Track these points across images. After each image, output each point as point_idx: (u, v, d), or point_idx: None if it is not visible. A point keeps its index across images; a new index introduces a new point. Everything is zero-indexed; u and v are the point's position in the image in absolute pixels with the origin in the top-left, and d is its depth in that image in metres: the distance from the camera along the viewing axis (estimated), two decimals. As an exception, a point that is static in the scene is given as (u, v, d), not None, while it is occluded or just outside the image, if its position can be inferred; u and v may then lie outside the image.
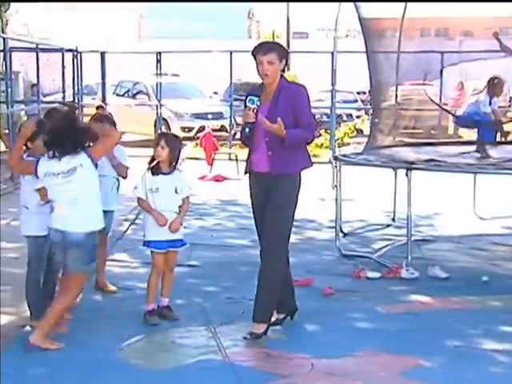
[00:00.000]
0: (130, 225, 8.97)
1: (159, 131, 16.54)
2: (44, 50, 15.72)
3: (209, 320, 5.50)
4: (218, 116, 19.22)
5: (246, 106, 5.09)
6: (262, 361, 4.85)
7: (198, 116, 19.13)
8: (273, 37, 36.99)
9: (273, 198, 5.06)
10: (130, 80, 20.58)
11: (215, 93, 23.90)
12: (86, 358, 4.84)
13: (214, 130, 16.28)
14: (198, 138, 15.78)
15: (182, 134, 18.44)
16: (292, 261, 7.40)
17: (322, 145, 16.83)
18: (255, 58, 5.08)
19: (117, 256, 7.44)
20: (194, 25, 41.39)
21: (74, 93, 15.89)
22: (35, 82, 17.80)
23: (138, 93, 20.11)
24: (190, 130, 18.72)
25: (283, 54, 5.13)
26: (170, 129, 18.25)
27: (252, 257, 7.58)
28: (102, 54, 16.44)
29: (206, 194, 11.10)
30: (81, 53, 15.71)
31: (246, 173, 5.32)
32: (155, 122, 17.28)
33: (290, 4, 33.87)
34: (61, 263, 5.08)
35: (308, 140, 5.20)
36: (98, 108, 15.86)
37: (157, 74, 16.59)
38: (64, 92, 15.60)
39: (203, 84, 22.43)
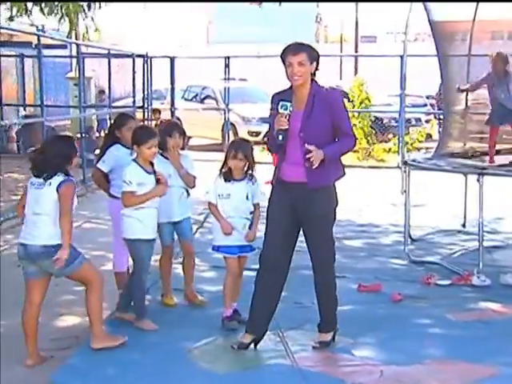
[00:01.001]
0: (198, 228, 9.04)
1: (227, 136, 16.69)
2: (115, 56, 16.04)
3: (276, 324, 5.49)
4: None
5: (277, 112, 4.75)
6: (331, 366, 4.82)
7: (265, 120, 19.13)
8: (341, 40, 36.86)
9: (312, 212, 4.85)
10: (198, 85, 20.77)
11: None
12: (156, 359, 4.90)
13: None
14: (265, 142, 15.78)
15: (249, 139, 18.60)
16: (359, 266, 7.41)
17: (389, 149, 16.66)
18: (284, 61, 4.78)
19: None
20: (262, 29, 41.48)
21: (143, 97, 16.12)
22: (106, 87, 18.18)
23: (206, 97, 20.28)
24: (258, 134, 18.74)
25: (314, 55, 4.82)
26: (237, 133, 18.36)
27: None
28: (172, 59, 16.63)
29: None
30: (151, 58, 15.94)
31: (272, 183, 5.05)
32: (223, 126, 17.41)
33: (359, 8, 33.63)
34: None
35: (351, 149, 5.01)
36: (154, 112, 16.15)
37: (225, 79, 16.68)
38: (134, 97, 15.85)
39: (270, 88, 22.46)
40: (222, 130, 17.51)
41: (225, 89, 16.90)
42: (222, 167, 5.51)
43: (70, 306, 5.90)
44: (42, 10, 15.98)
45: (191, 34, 42.71)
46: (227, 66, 16.53)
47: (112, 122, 6.18)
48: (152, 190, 5.37)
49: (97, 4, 16.24)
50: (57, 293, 5.63)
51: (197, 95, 20.60)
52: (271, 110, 4.90)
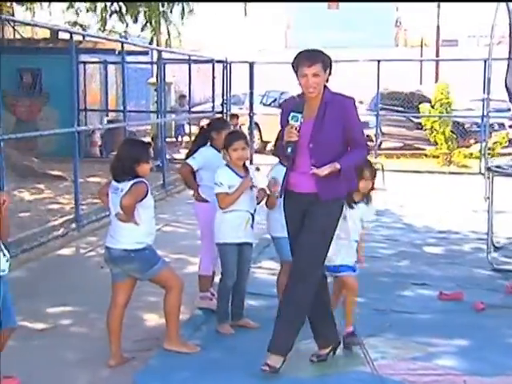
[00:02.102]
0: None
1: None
2: (196, 62, 16.25)
3: (355, 330, 5.44)
4: (364, 125, 19.06)
5: (287, 123, 4.56)
6: (412, 375, 4.72)
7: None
8: (421, 44, 36.31)
9: (314, 221, 4.63)
10: (276, 90, 20.82)
11: (360, 102, 23.72)
12: (234, 363, 4.93)
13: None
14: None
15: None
16: (440, 274, 7.27)
17: (471, 155, 16.32)
18: (296, 70, 4.57)
19: (263, 264, 7.53)
20: (341, 34, 41.31)
21: (222, 102, 16.27)
22: (185, 92, 18.44)
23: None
24: (336, 139, 18.66)
25: (327, 63, 4.61)
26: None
27: (398, 268, 7.51)
28: (251, 65, 16.74)
29: (352, 204, 11.02)
30: (230, 63, 16.07)
31: (281, 195, 4.85)
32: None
33: (440, 11, 33.07)
34: None
35: (363, 159, 4.82)
36: (232, 117, 16.27)
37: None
38: (213, 102, 16.01)
39: (348, 94, 22.32)
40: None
41: (303, 94, 16.85)
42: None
43: (151, 308, 5.98)
44: (122, 15, 16.39)
45: (270, 39, 42.92)
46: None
47: (207, 124, 6.26)
48: (239, 185, 5.37)
49: (184, 11, 16.53)
50: (138, 295, 5.70)
51: (275, 100, 20.64)
52: (281, 118, 4.72)
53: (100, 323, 5.66)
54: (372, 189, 5.25)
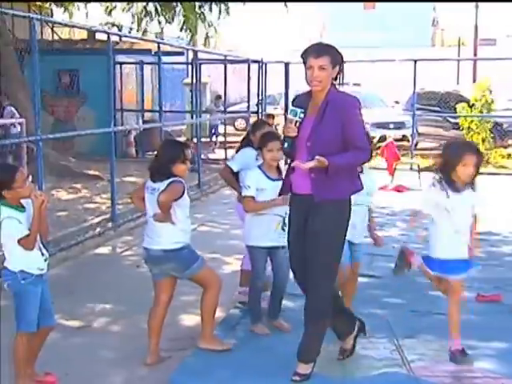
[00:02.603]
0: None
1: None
2: (231, 62, 16.27)
3: (392, 332, 5.41)
4: (400, 125, 18.94)
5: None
6: (449, 378, 4.67)
7: (379, 125, 18.94)
8: (458, 44, 35.95)
9: (314, 225, 4.41)
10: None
11: (396, 102, 23.60)
12: (268, 362, 4.92)
13: (396, 140, 16.02)
14: (379, 147, 15.62)
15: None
16: (478, 275, 7.15)
17: (509, 155, 16.12)
18: (305, 62, 4.39)
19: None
20: (377, 34, 41.06)
21: (258, 102, 16.28)
22: (220, 92, 18.48)
23: (319, 102, 20.26)
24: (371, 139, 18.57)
25: (337, 59, 4.41)
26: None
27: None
28: (286, 65, 16.72)
29: (388, 205, 10.96)
30: (266, 64, 16.07)
31: (280, 194, 4.78)
32: (335, 131, 17.37)
33: (478, 10, 32.69)
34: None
35: (361, 163, 4.60)
36: (268, 117, 16.24)
37: (339, 84, 16.57)
38: (249, 102, 16.02)
39: (385, 93, 22.20)
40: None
41: (339, 94, 16.79)
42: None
43: (187, 308, 6.00)
44: (158, 16, 16.48)
45: (305, 39, 42.88)
46: (341, 70, 16.40)
47: (250, 126, 6.29)
48: (273, 199, 5.24)
49: (221, 11, 16.59)
50: (175, 294, 5.70)
51: (310, 100, 20.60)
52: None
53: (137, 322, 5.72)
54: (475, 175, 4.90)
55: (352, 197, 4.59)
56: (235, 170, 5.95)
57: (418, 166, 13.60)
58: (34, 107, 7.59)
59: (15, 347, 4.35)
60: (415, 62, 15.91)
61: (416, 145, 16.97)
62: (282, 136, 4.44)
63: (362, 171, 4.99)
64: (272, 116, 16.13)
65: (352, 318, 4.98)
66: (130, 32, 17.67)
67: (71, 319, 5.81)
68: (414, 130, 16.54)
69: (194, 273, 4.95)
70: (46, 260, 4.41)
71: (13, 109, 11.65)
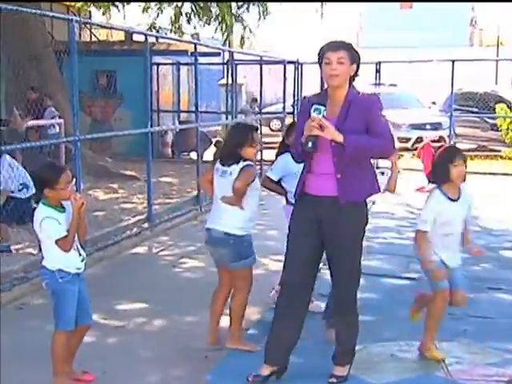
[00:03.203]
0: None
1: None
2: (267, 63, 16.27)
3: (429, 335, 5.34)
4: (437, 126, 18.77)
5: (309, 116, 4.22)
6: (487, 382, 4.59)
7: (415, 126, 18.81)
8: (497, 44, 35.53)
9: (340, 231, 4.29)
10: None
11: (433, 103, 23.39)
12: (306, 363, 4.89)
13: (433, 141, 15.87)
14: (415, 148, 15.50)
15: (398, 145, 18.33)
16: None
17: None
18: (321, 59, 4.26)
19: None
20: (414, 34, 40.74)
21: (293, 103, 16.24)
22: (256, 93, 18.49)
23: (355, 103, 20.17)
24: (407, 140, 18.44)
25: (355, 56, 4.28)
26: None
27: (473, 272, 7.34)
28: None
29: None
30: (302, 64, 16.04)
31: (295, 195, 4.52)
32: (372, 132, 17.29)
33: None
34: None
35: (382, 153, 4.43)
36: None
37: (375, 84, 16.51)
38: (284, 103, 16.00)
39: (421, 94, 22.01)
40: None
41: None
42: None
43: (224, 309, 5.99)
44: (195, 17, 16.55)
45: (341, 39, 42.68)
46: (378, 71, 16.34)
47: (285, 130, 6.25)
48: None
49: (260, 12, 16.63)
50: (211, 294, 5.72)
51: (345, 101, 20.53)
52: (299, 114, 4.51)
53: (173, 321, 5.75)
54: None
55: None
56: (275, 179, 5.91)
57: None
58: (73, 108, 7.66)
59: (53, 346, 4.39)
60: (453, 62, 15.73)
61: (453, 146, 16.79)
62: (305, 136, 4.20)
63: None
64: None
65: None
66: (166, 33, 17.77)
67: (109, 318, 5.85)
68: (452, 131, 16.37)
69: (241, 267, 5.03)
70: (83, 260, 4.45)
71: (54, 109, 11.79)
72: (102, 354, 5.11)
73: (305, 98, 4.56)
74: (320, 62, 4.27)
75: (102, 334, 5.46)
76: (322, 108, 4.16)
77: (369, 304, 6.26)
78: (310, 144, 4.19)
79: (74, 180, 4.52)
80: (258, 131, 5.33)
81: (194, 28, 17.97)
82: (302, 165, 5.28)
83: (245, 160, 4.93)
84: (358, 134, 4.19)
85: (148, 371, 4.86)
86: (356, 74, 4.33)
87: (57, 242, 4.27)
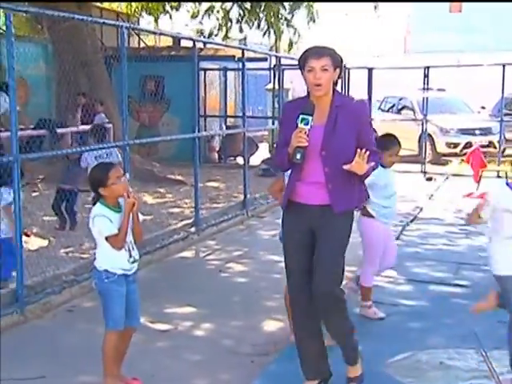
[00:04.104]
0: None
1: (424, 147, 16.37)
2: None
3: (479, 343, 5.27)
4: (486, 132, 18.49)
5: (296, 126, 4.05)
6: (540, 392, 4.53)
7: (464, 131, 18.55)
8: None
9: (330, 236, 4.20)
10: (394, 95, 20.56)
11: (483, 107, 23.05)
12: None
13: (482, 146, 15.67)
14: (464, 154, 15.31)
15: (447, 150, 18.11)
16: None
17: None
18: (303, 66, 4.12)
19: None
20: (463, 37, 40.25)
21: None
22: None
23: (402, 108, 20.02)
24: (456, 145, 18.21)
25: (338, 60, 4.13)
26: (434, 144, 17.96)
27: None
28: (370, 70, 16.58)
29: (474, 212, 10.70)
30: (349, 69, 15.98)
31: (283, 205, 4.35)
32: (419, 137, 17.13)
33: None
34: None
35: (375, 168, 4.27)
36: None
37: (423, 89, 16.37)
38: (331, 108, 15.94)
39: (470, 98, 21.71)
40: (419, 141, 17.21)
41: (423, 99, 16.56)
42: None
43: (270, 313, 6.01)
44: (243, 22, 16.60)
45: (388, 43, 42.40)
46: (426, 76, 16.19)
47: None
48: None
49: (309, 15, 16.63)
50: (257, 299, 5.77)
51: (393, 106, 20.39)
52: (281, 122, 4.34)
53: (220, 325, 5.76)
54: None
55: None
56: None
57: (506, 173, 13.22)
58: (122, 113, 7.75)
59: (104, 346, 4.43)
60: (504, 66, 15.51)
61: (503, 151, 16.52)
62: (293, 147, 4.05)
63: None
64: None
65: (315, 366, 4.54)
66: (213, 39, 17.88)
67: (157, 322, 5.90)
68: (502, 137, 16.12)
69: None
70: (133, 262, 4.46)
71: (103, 115, 11.96)
72: (150, 357, 5.15)
73: (289, 102, 4.41)
74: (301, 68, 4.14)
75: (150, 337, 5.50)
76: (310, 118, 4.03)
77: (417, 311, 6.21)
78: (298, 156, 4.06)
79: (127, 175, 4.55)
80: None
81: (241, 31, 18.01)
82: (389, 176, 5.26)
83: None
84: (349, 142, 4.09)
85: (196, 375, 4.88)
86: (339, 77, 4.19)
87: (107, 238, 4.33)
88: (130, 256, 4.44)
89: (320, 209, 4.19)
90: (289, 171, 4.33)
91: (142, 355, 5.06)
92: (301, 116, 4.03)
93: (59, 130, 11.32)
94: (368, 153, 4.02)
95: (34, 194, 11.45)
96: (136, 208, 4.36)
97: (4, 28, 6.65)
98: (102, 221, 4.32)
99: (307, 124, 4.01)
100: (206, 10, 18.00)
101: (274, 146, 4.51)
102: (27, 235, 7.99)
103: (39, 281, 6.46)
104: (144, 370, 4.79)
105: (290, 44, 17.96)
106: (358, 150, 4.00)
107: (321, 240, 4.22)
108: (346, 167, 4.02)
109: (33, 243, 8.12)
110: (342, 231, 4.25)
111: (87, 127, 10.26)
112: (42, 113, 13.09)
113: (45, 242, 8.30)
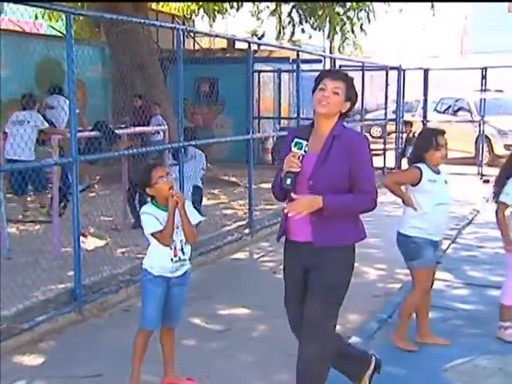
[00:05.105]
0: (450, 243, 8.79)
1: (481, 149, 16.10)
2: (369, 69, 16.16)
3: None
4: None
5: (290, 150, 3.79)
6: None
7: (522, 133, 18.17)
8: None
9: (317, 276, 3.83)
10: (451, 97, 20.28)
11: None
12: (412, 376, 4.83)
13: (541, 149, 15.31)
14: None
15: (504, 152, 17.76)
16: None
17: None
18: (317, 84, 3.88)
19: (438, 275, 7.31)
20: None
21: (396, 109, 16.06)
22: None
23: (459, 109, 19.72)
24: (515, 147, 17.85)
25: (352, 94, 3.88)
26: (491, 146, 17.63)
27: None
28: (426, 71, 16.39)
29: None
30: (404, 70, 15.83)
31: (278, 239, 4.05)
32: (476, 139, 16.85)
33: None
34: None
35: (365, 210, 3.89)
36: (406, 124, 15.94)
37: (481, 90, 16.10)
38: (386, 109, 15.82)
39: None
40: (476, 143, 16.93)
41: (480, 100, 16.29)
42: None
43: (350, 310, 5.89)
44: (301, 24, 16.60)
45: (444, 44, 41.87)
46: (484, 77, 15.91)
47: None
48: None
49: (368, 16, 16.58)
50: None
51: (450, 107, 20.10)
52: (285, 145, 3.96)
53: (275, 326, 5.75)
54: None
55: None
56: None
57: None
58: (178, 115, 7.81)
59: (134, 342, 4.50)
60: None
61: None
62: (284, 171, 3.77)
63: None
64: (410, 123, 15.87)
65: (364, 356, 4.47)
66: (269, 40, 17.91)
67: (211, 322, 5.93)
68: None
69: (411, 267, 5.25)
70: (178, 261, 4.44)
71: (160, 117, 12.09)
72: (205, 357, 5.17)
73: (293, 129, 4.17)
74: (315, 88, 3.89)
75: (205, 338, 5.54)
76: (304, 143, 3.76)
77: (475, 315, 6.11)
78: (288, 181, 3.76)
79: (171, 175, 4.55)
80: (445, 134, 5.30)
81: (302, 32, 17.97)
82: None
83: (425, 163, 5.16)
84: (338, 175, 3.77)
85: (251, 376, 4.88)
86: (347, 114, 3.93)
87: (153, 235, 4.38)
88: (175, 255, 4.44)
89: (306, 246, 3.83)
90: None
91: (197, 356, 5.10)
92: (295, 140, 3.78)
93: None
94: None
95: (90, 195, 11.63)
96: (181, 207, 4.36)
97: (64, 32, 6.77)
98: (147, 218, 4.39)
99: (301, 148, 3.75)
100: (273, 11, 18.00)
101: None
102: (84, 235, 8.13)
103: (96, 280, 6.57)
104: (199, 371, 4.82)
105: (354, 46, 17.88)
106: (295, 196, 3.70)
107: (310, 288, 3.88)
108: (294, 196, 3.72)
109: (90, 243, 8.25)
110: (333, 277, 3.83)
111: (145, 129, 10.36)
112: (98, 115, 13.25)
113: (101, 242, 8.42)
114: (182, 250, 4.46)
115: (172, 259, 4.42)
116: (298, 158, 3.73)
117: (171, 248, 4.40)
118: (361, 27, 17.75)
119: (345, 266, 3.88)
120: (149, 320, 4.46)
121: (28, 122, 9.33)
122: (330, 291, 3.83)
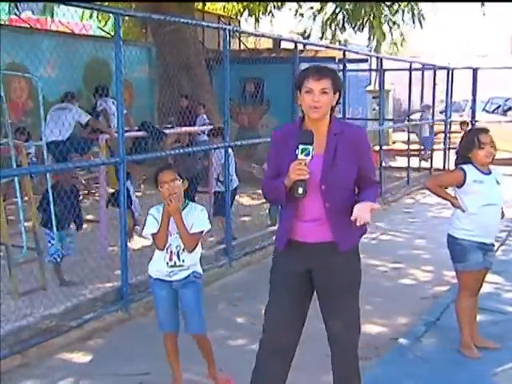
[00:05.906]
0: (499, 245, 8.65)
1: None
2: (417, 69, 15.98)
3: None
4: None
5: (296, 157, 3.60)
6: None
7: None
8: None
9: (338, 278, 3.82)
10: (500, 96, 19.98)
11: None
12: (459, 379, 4.74)
13: None
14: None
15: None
16: None
17: None
18: (300, 86, 3.71)
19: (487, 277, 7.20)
20: None
21: (445, 110, 15.87)
22: (402, 98, 18.13)
23: (509, 109, 19.42)
24: None
25: (338, 84, 3.75)
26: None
27: None
28: (475, 71, 16.16)
29: None
30: (453, 69, 15.62)
31: (280, 245, 3.91)
32: (527, 139, 16.59)
33: None
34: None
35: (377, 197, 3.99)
36: (462, 124, 15.74)
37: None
38: (433, 109, 15.64)
39: None
40: (526, 143, 16.67)
41: (530, 100, 16.01)
42: None
43: (371, 316, 5.92)
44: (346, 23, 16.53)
45: (493, 43, 41.28)
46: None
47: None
48: None
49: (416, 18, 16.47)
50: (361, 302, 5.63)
51: (499, 107, 19.81)
52: (271, 149, 3.87)
53: (318, 328, 5.70)
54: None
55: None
56: None
57: None
58: (224, 115, 7.83)
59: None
60: None
61: None
62: (293, 180, 3.61)
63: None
64: (466, 123, 15.69)
65: None
66: (316, 40, 17.85)
67: (257, 323, 5.89)
68: None
69: (457, 270, 5.19)
70: (173, 266, 4.45)
71: (205, 117, 12.14)
72: (250, 358, 5.15)
73: (277, 130, 3.96)
74: (298, 88, 3.73)
75: (251, 338, 5.52)
76: (310, 148, 3.58)
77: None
78: (300, 190, 3.62)
79: (177, 182, 4.38)
80: (489, 132, 5.18)
81: (339, 30, 17.90)
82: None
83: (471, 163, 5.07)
84: (350, 173, 3.74)
85: (296, 376, 4.81)
86: (338, 103, 3.80)
87: (152, 235, 4.44)
88: (171, 259, 4.44)
89: (320, 247, 3.78)
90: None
91: (241, 356, 5.09)
92: (301, 146, 3.59)
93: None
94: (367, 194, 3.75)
95: (137, 194, 11.72)
96: (176, 217, 4.33)
97: (112, 33, 6.83)
98: (148, 219, 4.48)
99: (308, 155, 3.58)
100: (319, 10, 17.94)
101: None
102: (131, 235, 8.20)
103: (142, 280, 6.61)
104: (243, 371, 4.80)
105: (395, 45, 17.73)
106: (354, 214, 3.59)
107: (326, 283, 3.86)
108: (352, 218, 3.60)
109: (136, 243, 8.32)
110: (349, 272, 3.86)
111: (191, 129, 10.42)
112: (145, 115, 13.37)
113: (148, 242, 8.47)
114: (178, 255, 4.45)
115: (168, 263, 4.45)
116: (305, 164, 3.58)
117: (167, 251, 4.44)
118: (397, 29, 17.56)
119: (357, 263, 3.91)
120: (159, 323, 4.53)
121: (70, 109, 9.34)
122: (356, 287, 3.91)
